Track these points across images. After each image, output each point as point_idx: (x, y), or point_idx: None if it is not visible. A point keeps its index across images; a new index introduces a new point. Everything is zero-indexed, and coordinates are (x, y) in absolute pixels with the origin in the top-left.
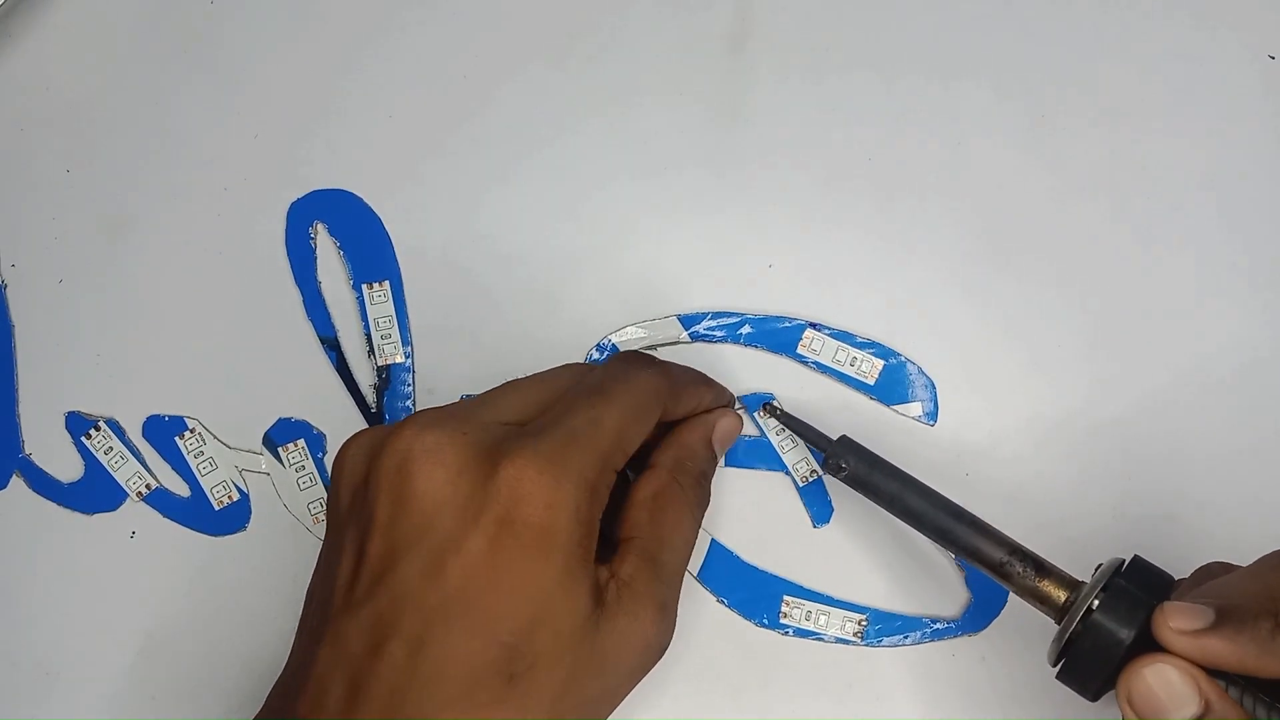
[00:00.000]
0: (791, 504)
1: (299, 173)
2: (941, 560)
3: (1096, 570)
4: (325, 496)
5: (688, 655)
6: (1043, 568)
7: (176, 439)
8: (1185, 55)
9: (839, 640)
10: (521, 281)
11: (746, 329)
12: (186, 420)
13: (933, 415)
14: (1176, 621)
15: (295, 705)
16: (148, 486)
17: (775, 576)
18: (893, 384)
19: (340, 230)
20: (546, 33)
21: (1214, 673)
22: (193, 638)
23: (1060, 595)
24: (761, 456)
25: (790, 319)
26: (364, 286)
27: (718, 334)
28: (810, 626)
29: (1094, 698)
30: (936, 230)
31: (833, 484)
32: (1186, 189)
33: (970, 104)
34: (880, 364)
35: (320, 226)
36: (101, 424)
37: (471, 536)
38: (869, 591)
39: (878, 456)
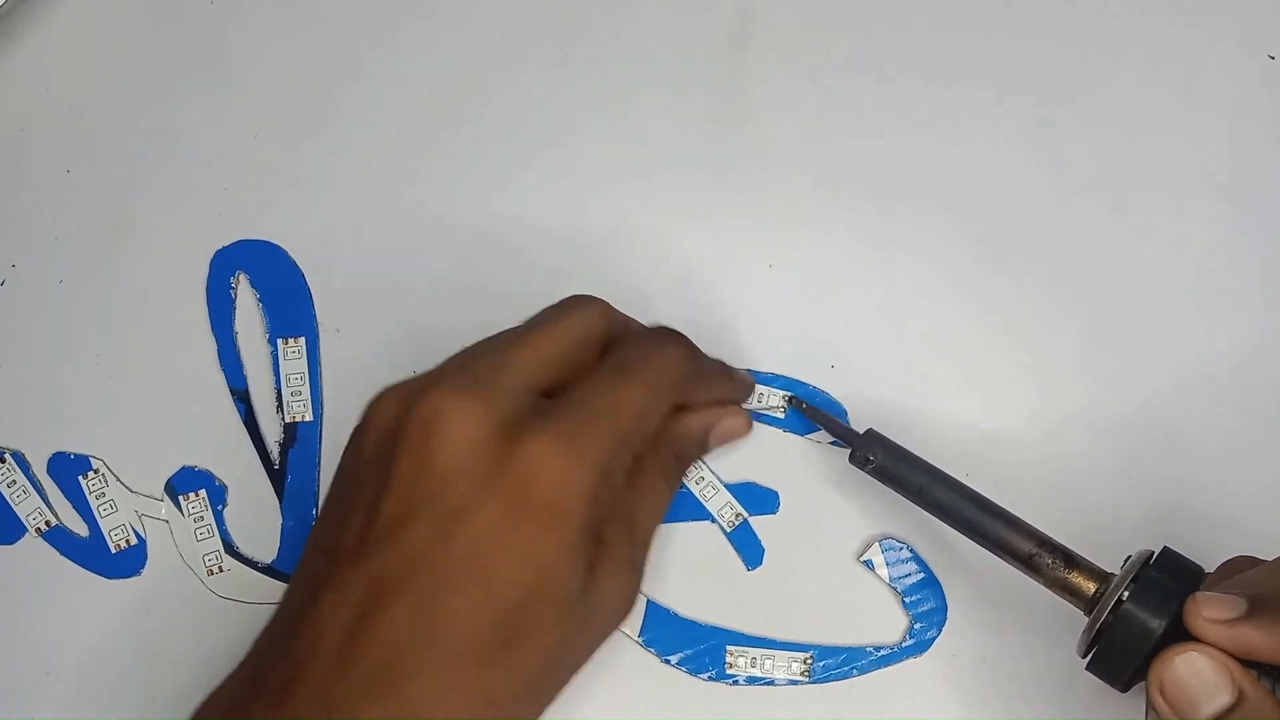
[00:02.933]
0: (722, 551)
1: (297, 175)
2: (879, 586)
3: (1126, 562)
4: (220, 549)
5: None
6: (1072, 560)
7: (80, 478)
8: (1185, 55)
9: (788, 681)
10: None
11: None
12: (91, 460)
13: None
14: (1209, 611)
15: (291, 646)
16: (47, 523)
17: (716, 628)
18: (802, 414)
19: (262, 282)
20: (546, 34)
21: (1247, 664)
22: (71, 677)
23: (1089, 587)
24: (685, 508)
25: None
26: (279, 341)
27: None
28: (758, 673)
29: (1124, 688)
30: (936, 230)
31: (761, 524)
32: (1186, 189)
33: (970, 104)
34: (785, 395)
35: (242, 277)
36: (7, 455)
37: (485, 506)
38: (810, 628)
39: (904, 449)
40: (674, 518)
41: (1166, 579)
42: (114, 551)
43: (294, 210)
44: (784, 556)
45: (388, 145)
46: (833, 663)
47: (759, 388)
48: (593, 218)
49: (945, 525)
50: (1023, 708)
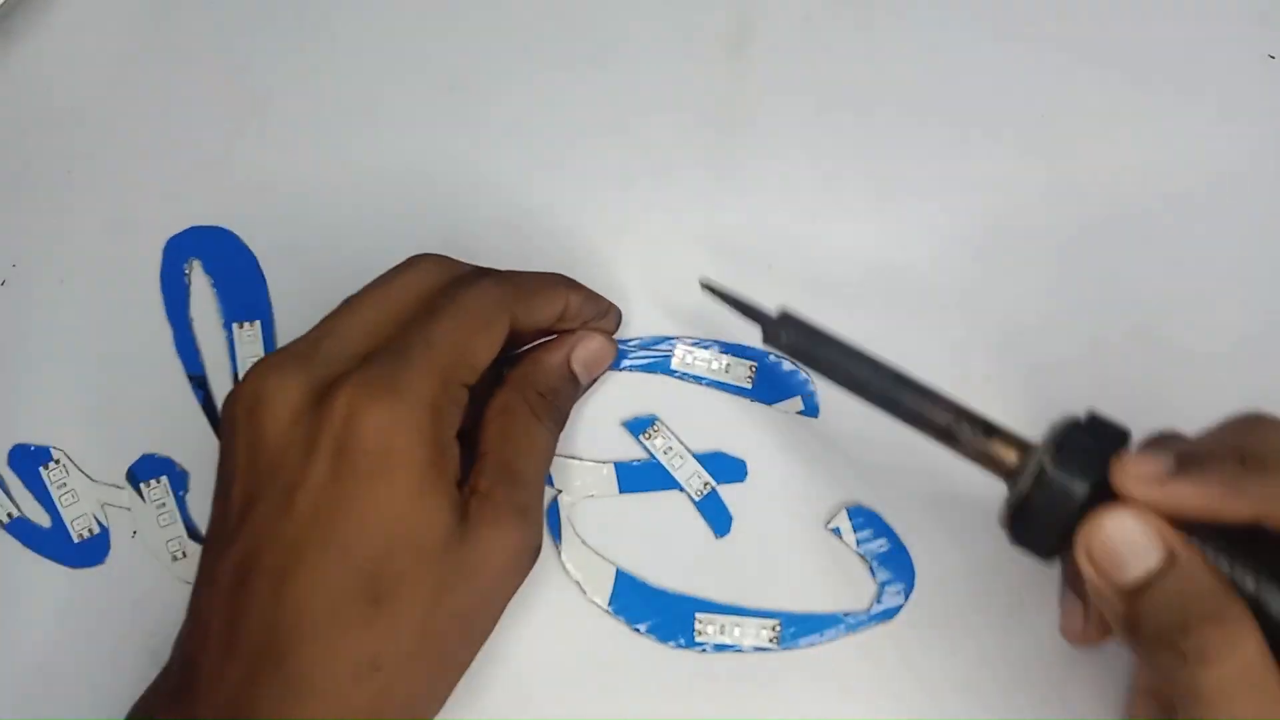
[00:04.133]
0: (690, 520)
1: (296, 174)
2: (846, 553)
3: (1049, 429)
4: (183, 535)
5: (610, 688)
6: (991, 429)
7: (41, 469)
8: (1185, 55)
9: (756, 649)
10: None
11: (624, 356)
12: (52, 450)
13: (813, 409)
14: (1137, 468)
15: (186, 645)
16: (9, 515)
17: (685, 596)
18: (769, 383)
19: (215, 268)
20: (545, 36)
21: (1178, 529)
22: (36, 667)
23: (1011, 455)
24: (653, 478)
25: (660, 338)
26: (234, 326)
27: None
28: (726, 640)
29: (1048, 557)
30: (936, 230)
31: (729, 493)
32: (1186, 189)
33: (970, 104)
34: (752, 365)
35: (195, 263)
36: None
37: (313, 469)
38: (779, 596)
39: (818, 328)
40: (642, 487)
41: (1091, 441)
42: (76, 541)
43: (245, 195)
44: (752, 525)
45: (383, 144)
46: (801, 629)
47: (724, 358)
48: (592, 218)
49: (910, 487)
50: (990, 673)
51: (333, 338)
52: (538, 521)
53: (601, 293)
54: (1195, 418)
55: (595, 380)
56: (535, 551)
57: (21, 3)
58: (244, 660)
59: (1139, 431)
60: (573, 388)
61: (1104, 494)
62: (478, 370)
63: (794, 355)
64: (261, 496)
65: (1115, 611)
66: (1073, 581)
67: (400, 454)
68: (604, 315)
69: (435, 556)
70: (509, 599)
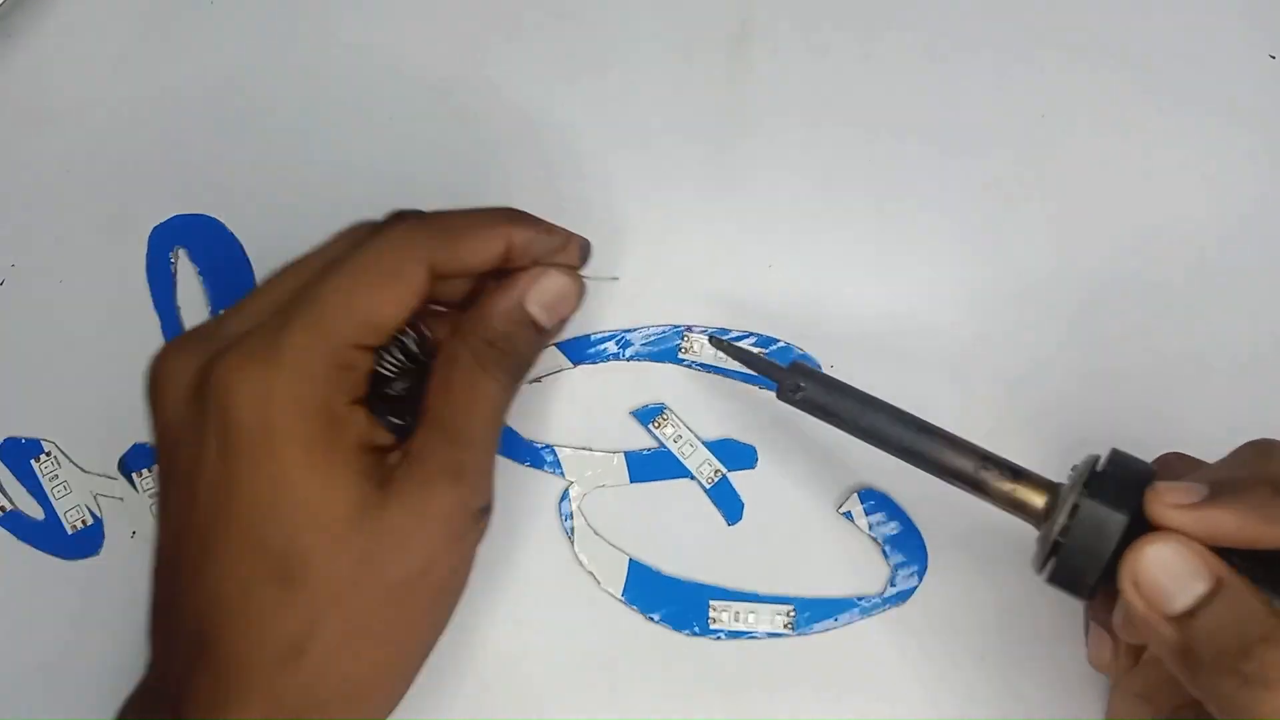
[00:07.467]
0: (702, 507)
1: (298, 171)
2: (859, 537)
3: (1073, 470)
4: None
5: (625, 678)
6: (1018, 473)
7: (33, 462)
8: (1185, 55)
9: (771, 635)
10: None
11: (632, 346)
12: (43, 443)
13: None
14: (1172, 497)
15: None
16: (2, 509)
17: (698, 584)
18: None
19: (201, 256)
20: (546, 34)
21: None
22: (33, 661)
23: (1039, 498)
24: (663, 467)
25: (667, 326)
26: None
27: (608, 352)
28: (740, 627)
29: (1089, 595)
30: (936, 230)
31: (740, 480)
32: (1186, 189)
33: (969, 103)
34: (760, 351)
35: (181, 252)
36: None
37: (205, 453)
38: (792, 582)
39: (833, 378)
40: (652, 476)
41: (1120, 476)
42: (70, 533)
43: (234, 183)
44: (764, 511)
45: (385, 144)
46: (815, 614)
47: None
48: (592, 218)
49: (923, 472)
50: (1005, 653)
51: (239, 314)
52: (479, 480)
53: (598, 294)
54: (1193, 419)
55: (564, 324)
56: (476, 512)
57: (21, 3)
58: (183, 646)
59: (1143, 433)
60: (531, 334)
61: (1139, 528)
62: (382, 329)
63: (811, 409)
64: (171, 484)
65: (1166, 640)
66: (1098, 615)
67: (282, 428)
68: (563, 249)
69: (346, 530)
70: (460, 564)
